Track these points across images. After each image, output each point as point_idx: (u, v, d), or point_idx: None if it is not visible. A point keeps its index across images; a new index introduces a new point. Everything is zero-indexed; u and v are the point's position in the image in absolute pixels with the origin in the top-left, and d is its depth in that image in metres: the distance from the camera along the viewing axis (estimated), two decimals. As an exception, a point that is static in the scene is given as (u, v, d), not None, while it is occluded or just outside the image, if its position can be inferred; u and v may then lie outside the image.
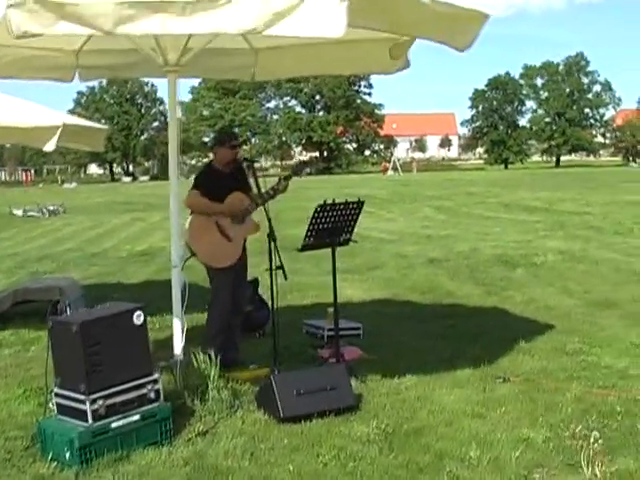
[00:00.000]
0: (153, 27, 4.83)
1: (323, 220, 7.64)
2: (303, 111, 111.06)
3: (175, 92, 6.96)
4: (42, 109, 9.55)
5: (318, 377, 6.73)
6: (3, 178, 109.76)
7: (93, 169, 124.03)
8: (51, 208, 38.52)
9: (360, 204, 7.89)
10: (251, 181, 8.06)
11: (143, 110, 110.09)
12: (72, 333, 5.74)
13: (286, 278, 7.87)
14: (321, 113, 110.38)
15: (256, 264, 8.94)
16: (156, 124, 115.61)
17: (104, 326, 5.89)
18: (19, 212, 38.04)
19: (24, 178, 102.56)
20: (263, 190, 7.97)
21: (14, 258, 20.23)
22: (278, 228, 7.71)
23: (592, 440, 5.37)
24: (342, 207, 7.73)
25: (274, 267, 7.71)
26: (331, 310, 9.26)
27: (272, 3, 4.72)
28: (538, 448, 5.69)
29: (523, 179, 57.40)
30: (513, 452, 5.59)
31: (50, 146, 8.85)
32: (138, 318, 6.08)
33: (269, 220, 7.69)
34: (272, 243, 7.66)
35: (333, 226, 7.74)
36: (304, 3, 4.70)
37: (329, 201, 7.63)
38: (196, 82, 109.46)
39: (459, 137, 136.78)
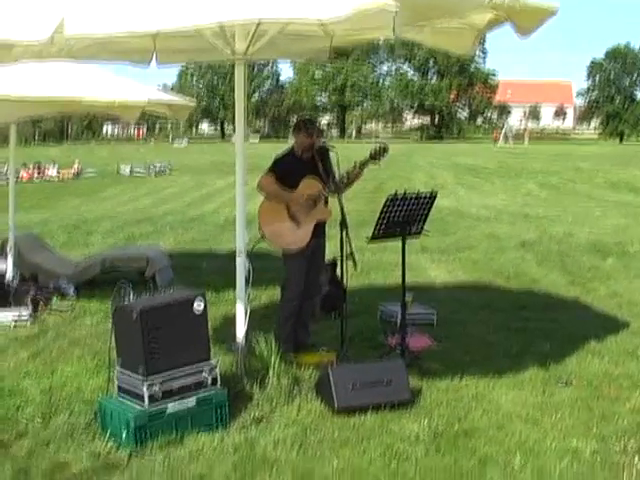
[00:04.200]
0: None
1: (394, 211, 7.66)
2: (416, 76, 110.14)
3: (244, 81, 6.98)
4: (131, 84, 9.75)
5: (375, 370, 6.78)
6: (116, 133, 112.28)
7: (204, 127, 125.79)
8: (158, 167, 39.34)
9: (433, 196, 7.87)
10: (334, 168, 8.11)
11: (255, 70, 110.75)
12: (133, 318, 5.94)
13: (356, 267, 7.97)
14: (434, 79, 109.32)
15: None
16: (268, 84, 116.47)
17: (164, 313, 6.07)
18: (126, 170, 38.98)
19: (136, 134, 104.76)
20: (337, 178, 8.04)
21: (114, 219, 20.85)
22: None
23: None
24: (414, 199, 7.74)
25: (345, 256, 7.83)
26: (410, 297, 9.30)
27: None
28: (585, 461, 5.62)
29: (637, 155, 55.92)
30: (558, 463, 5.55)
31: (132, 120, 9.18)
32: (198, 306, 6.24)
33: (342, 208, 7.77)
34: (344, 231, 7.77)
35: (404, 218, 7.76)
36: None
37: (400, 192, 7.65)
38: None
39: (575, 108, 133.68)
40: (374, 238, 7.83)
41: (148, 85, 10.33)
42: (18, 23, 5.30)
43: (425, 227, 8.08)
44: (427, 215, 7.98)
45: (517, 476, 5.43)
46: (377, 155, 8.18)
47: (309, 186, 8.03)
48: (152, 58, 7.81)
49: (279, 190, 7.97)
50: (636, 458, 5.29)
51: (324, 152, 8.13)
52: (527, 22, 6.33)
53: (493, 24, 6.92)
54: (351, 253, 7.75)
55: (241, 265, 7.03)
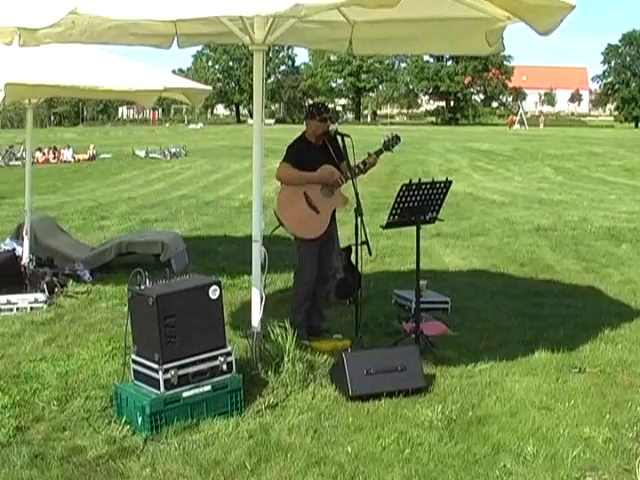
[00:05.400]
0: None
1: (409, 199, 7.67)
2: (431, 60, 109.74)
3: (262, 69, 6.96)
4: (147, 70, 9.78)
5: (390, 357, 6.80)
6: (132, 116, 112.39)
7: (220, 110, 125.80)
8: (173, 150, 39.34)
9: (447, 184, 7.87)
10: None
11: (271, 53, 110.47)
12: (149, 305, 5.98)
13: (370, 254, 7.99)
14: (449, 63, 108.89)
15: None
16: (283, 67, 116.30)
17: (180, 299, 6.10)
18: (142, 153, 39.01)
19: (151, 116, 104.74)
20: (353, 164, 8.05)
21: (130, 203, 20.91)
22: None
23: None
24: (429, 187, 7.74)
25: (359, 242, 7.85)
26: (424, 283, 9.31)
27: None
28: (597, 449, 5.63)
29: (652, 140, 55.58)
30: (571, 451, 5.55)
31: (148, 105, 9.26)
32: (214, 293, 6.27)
33: (356, 195, 7.78)
34: (359, 218, 7.78)
35: (419, 205, 7.76)
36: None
37: (415, 180, 7.65)
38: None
39: (590, 92, 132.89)
40: (388, 225, 7.86)
41: (163, 69, 10.38)
42: (33, 9, 5.32)
43: (439, 214, 8.09)
44: (442, 203, 7.99)
45: (530, 463, 5.44)
46: (390, 145, 8.22)
47: (326, 172, 8.05)
48: (173, 42, 7.89)
49: (301, 174, 7.98)
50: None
51: (335, 137, 8.11)
52: (544, 21, 6.29)
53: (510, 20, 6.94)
54: (366, 240, 7.77)
55: (257, 252, 7.04)
